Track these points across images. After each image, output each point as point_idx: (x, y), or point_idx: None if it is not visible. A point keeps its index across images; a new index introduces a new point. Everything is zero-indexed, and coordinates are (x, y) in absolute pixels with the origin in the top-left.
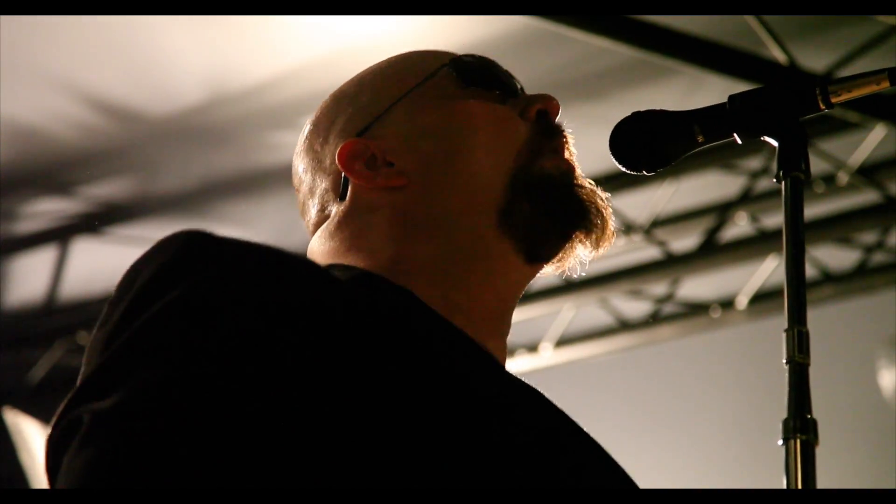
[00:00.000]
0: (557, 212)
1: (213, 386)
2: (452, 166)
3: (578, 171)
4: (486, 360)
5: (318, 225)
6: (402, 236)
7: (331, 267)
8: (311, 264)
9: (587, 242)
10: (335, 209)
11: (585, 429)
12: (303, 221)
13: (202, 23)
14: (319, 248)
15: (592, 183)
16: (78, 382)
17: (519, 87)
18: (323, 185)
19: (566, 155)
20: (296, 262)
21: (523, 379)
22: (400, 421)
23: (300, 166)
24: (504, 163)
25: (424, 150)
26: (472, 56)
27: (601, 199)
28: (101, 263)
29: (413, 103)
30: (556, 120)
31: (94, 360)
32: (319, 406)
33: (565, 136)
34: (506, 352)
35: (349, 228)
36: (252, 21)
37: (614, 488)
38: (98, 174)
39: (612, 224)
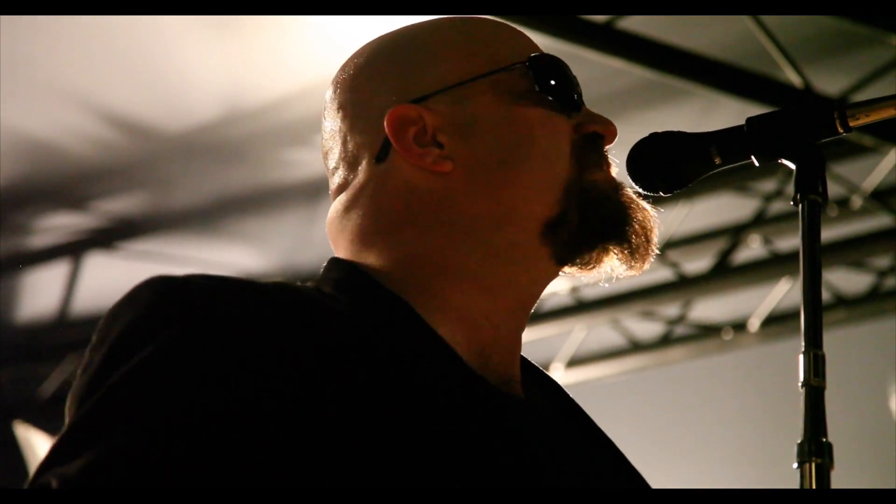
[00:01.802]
0: (605, 222)
1: (181, 452)
2: (505, 173)
3: (627, 188)
4: (475, 388)
5: (342, 185)
6: (434, 228)
7: (333, 268)
8: (289, 296)
9: (624, 257)
10: (365, 170)
11: (605, 438)
12: (312, 240)
13: (218, 39)
14: (338, 224)
15: (644, 201)
16: (56, 438)
17: (581, 98)
18: (359, 137)
19: (613, 171)
20: (270, 301)
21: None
22: (375, 470)
23: (333, 104)
24: (556, 176)
25: (479, 146)
26: (551, 59)
27: (650, 217)
28: (113, 278)
29: (479, 89)
30: (607, 147)
31: (72, 412)
32: (289, 468)
33: (609, 160)
34: (520, 350)
35: (377, 203)
36: (267, 38)
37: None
38: (112, 189)
39: (654, 244)
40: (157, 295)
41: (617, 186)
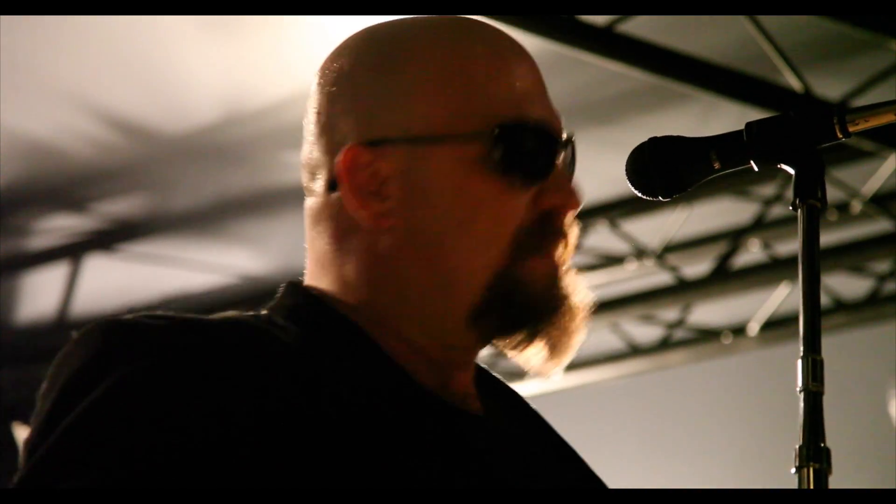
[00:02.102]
0: (520, 316)
1: (133, 488)
2: (439, 248)
3: (562, 271)
4: (431, 407)
5: (307, 189)
6: (374, 277)
7: (290, 293)
8: (239, 334)
9: (543, 352)
10: (321, 192)
11: (570, 449)
12: None
13: (218, 41)
14: (308, 234)
15: (580, 281)
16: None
17: (556, 158)
18: (320, 156)
19: (554, 253)
20: (220, 340)
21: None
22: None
23: (314, 102)
24: (489, 261)
25: (421, 213)
26: (521, 129)
27: (575, 306)
28: (113, 280)
29: (438, 146)
30: (568, 218)
31: (27, 456)
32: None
33: (564, 236)
34: (473, 366)
35: (331, 230)
36: (267, 40)
37: None
38: (111, 191)
39: (572, 345)
40: (106, 337)
41: (549, 276)
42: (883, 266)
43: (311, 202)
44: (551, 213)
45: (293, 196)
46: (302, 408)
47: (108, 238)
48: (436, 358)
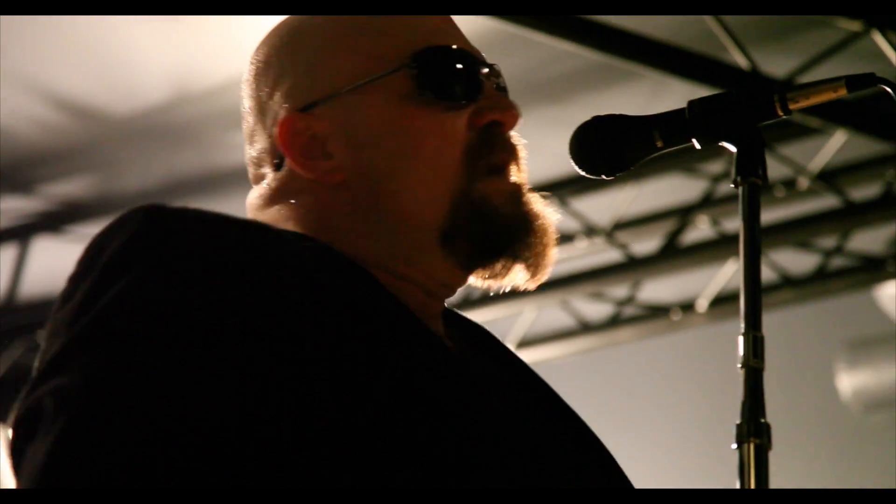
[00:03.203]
0: (494, 241)
1: (172, 372)
2: (392, 184)
3: (523, 190)
4: (439, 343)
5: (255, 179)
6: (341, 233)
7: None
8: (270, 236)
9: (523, 271)
10: (269, 174)
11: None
12: None
13: (166, 22)
14: (256, 212)
15: (541, 200)
16: (38, 363)
17: (483, 80)
18: (261, 142)
19: (510, 173)
20: (254, 237)
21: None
22: (357, 414)
23: (245, 101)
24: (444, 184)
25: (366, 157)
26: (437, 51)
27: (545, 224)
28: (61, 262)
29: (367, 92)
30: (510, 131)
31: (58, 339)
32: (278, 396)
33: (513, 152)
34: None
35: (284, 207)
36: (216, 20)
37: (581, 484)
38: (59, 173)
39: (548, 258)
40: (144, 220)
41: (507, 194)
42: (829, 242)
43: (261, 191)
44: (491, 129)
45: (243, 176)
46: (330, 316)
47: (57, 220)
48: (417, 299)
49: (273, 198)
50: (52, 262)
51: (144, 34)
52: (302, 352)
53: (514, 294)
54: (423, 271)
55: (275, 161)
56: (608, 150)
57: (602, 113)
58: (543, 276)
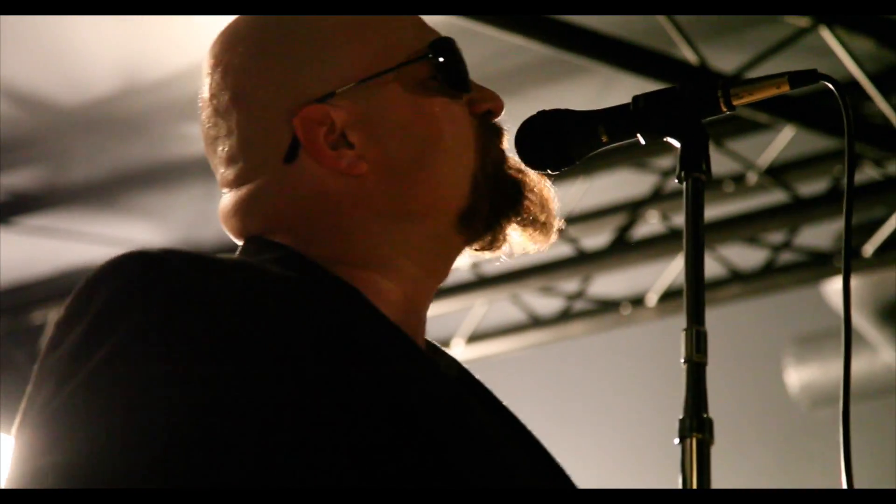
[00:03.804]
0: (507, 202)
1: (181, 425)
2: (418, 172)
3: (521, 164)
4: (426, 361)
5: (238, 178)
6: (352, 228)
7: (264, 247)
8: (261, 277)
9: (528, 233)
10: (270, 169)
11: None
12: (211, 215)
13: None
14: (240, 222)
15: (541, 180)
16: (24, 408)
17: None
18: (260, 134)
19: (507, 150)
20: (245, 275)
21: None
22: (351, 425)
23: (230, 90)
24: (464, 169)
25: (391, 145)
26: (448, 41)
27: (548, 191)
28: (9, 254)
29: (384, 82)
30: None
31: (50, 386)
32: (279, 437)
33: (502, 132)
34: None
35: (288, 204)
36: None
37: (545, 487)
38: (6, 164)
39: (555, 217)
40: (138, 266)
41: (520, 171)
42: (778, 237)
43: (245, 191)
44: (487, 116)
45: (193, 168)
46: (333, 352)
47: (4, 211)
48: (409, 317)
49: (265, 193)
50: (0, 254)
51: (92, 24)
52: (303, 385)
53: (464, 288)
54: (423, 259)
55: (283, 155)
56: (553, 144)
57: (548, 108)
58: (552, 237)
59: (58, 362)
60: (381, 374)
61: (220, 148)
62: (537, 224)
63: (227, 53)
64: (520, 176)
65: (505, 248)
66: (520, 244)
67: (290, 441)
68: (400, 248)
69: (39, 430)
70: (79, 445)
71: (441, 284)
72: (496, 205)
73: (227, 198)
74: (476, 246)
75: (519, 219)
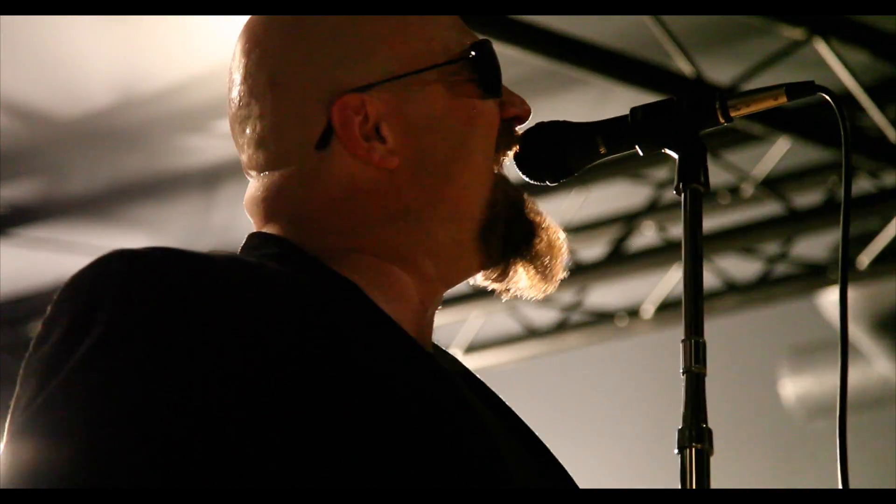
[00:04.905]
0: (519, 234)
1: (163, 422)
2: (449, 170)
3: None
4: (427, 359)
5: (267, 162)
6: (378, 221)
7: (267, 242)
8: (250, 273)
9: (534, 277)
10: (301, 154)
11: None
12: (209, 227)
13: (111, 24)
14: (267, 207)
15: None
16: (13, 406)
17: None
18: (294, 119)
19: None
20: (234, 271)
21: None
22: (348, 431)
23: (267, 72)
24: (489, 172)
25: (426, 142)
26: (487, 44)
27: (558, 235)
28: (7, 265)
29: (425, 79)
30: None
31: (33, 384)
32: (269, 436)
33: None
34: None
35: (317, 191)
36: (162, 23)
37: (547, 487)
38: (5, 176)
39: (561, 265)
40: (121, 268)
41: (529, 199)
42: (773, 248)
43: (276, 175)
44: (512, 122)
45: (189, 180)
46: (318, 351)
47: (2, 222)
48: (419, 316)
49: (294, 178)
50: None
51: (89, 37)
52: (284, 381)
53: (461, 299)
54: (441, 262)
55: (315, 141)
56: (551, 156)
57: (544, 120)
58: (554, 286)
59: (40, 361)
60: (376, 372)
61: (250, 129)
62: (543, 266)
63: (267, 36)
64: (537, 217)
65: (511, 285)
66: (524, 288)
67: (272, 440)
68: (422, 245)
69: (23, 430)
70: (59, 445)
71: None
72: (512, 230)
73: (255, 184)
74: (487, 274)
75: (527, 248)
